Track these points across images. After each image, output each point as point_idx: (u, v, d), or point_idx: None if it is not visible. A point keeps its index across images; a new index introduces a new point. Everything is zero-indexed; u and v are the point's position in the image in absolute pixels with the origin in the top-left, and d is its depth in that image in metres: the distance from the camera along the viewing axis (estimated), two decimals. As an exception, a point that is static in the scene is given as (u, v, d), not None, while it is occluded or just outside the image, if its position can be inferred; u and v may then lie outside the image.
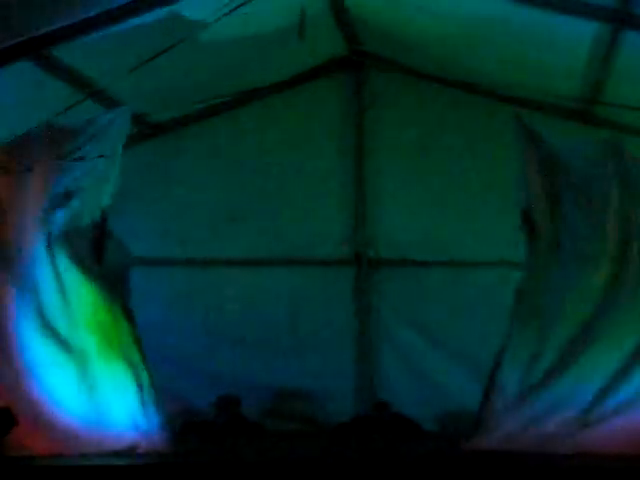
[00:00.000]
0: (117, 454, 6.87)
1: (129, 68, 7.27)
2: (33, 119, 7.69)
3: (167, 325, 9.61)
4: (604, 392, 7.03)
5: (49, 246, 7.23)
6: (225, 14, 7.15)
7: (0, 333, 7.03)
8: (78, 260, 7.30)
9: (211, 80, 8.90)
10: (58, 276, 7.19)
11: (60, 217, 7.31)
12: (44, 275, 7.19)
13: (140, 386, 7.25)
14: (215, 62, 8.47)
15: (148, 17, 7.14)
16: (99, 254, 7.50)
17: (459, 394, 9.25)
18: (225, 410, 9.03)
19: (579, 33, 7.11)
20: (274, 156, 9.82)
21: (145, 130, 9.76)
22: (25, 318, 7.07)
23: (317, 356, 9.62)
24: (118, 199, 9.71)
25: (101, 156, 7.42)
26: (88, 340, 7.16)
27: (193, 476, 6.37)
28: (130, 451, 6.96)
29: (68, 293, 7.20)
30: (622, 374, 7.05)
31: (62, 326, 7.12)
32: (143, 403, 7.22)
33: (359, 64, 9.80)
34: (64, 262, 7.23)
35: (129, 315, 7.40)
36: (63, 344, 7.10)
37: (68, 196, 7.38)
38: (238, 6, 6.95)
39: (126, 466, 6.53)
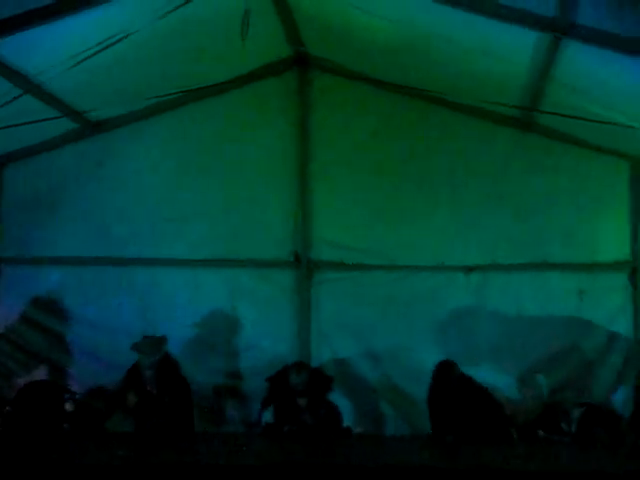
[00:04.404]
0: None
1: (69, 65, 7.21)
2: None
3: (102, 323, 9.57)
4: None
5: None
6: (168, 12, 7.12)
7: None
8: None
9: (153, 79, 8.82)
10: None
11: None
12: None
13: None
14: (157, 60, 8.38)
15: (88, 13, 7.04)
16: None
17: (387, 397, 9.49)
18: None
19: (520, 41, 7.15)
20: (216, 156, 9.75)
21: (85, 127, 9.66)
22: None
23: (256, 356, 9.62)
24: (55, 197, 9.72)
25: None
26: None
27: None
28: None
29: None
30: None
31: None
32: None
33: (304, 65, 9.79)
34: None
35: None
36: None
37: None
38: (180, 5, 6.92)
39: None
